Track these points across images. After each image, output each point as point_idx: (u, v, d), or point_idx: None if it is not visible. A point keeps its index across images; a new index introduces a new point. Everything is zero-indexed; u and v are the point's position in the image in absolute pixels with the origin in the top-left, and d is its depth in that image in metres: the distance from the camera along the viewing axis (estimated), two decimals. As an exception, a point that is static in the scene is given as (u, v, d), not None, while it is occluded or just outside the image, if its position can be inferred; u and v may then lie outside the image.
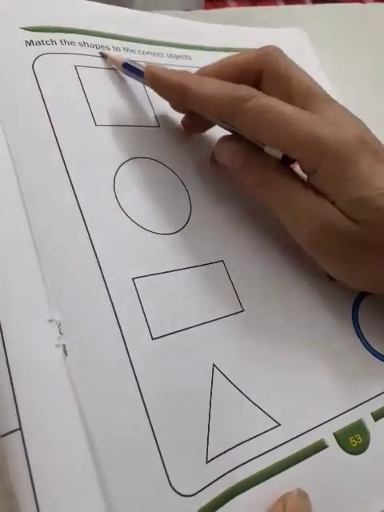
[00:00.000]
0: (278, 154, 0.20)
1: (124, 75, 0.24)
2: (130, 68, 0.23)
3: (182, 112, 0.24)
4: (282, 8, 0.42)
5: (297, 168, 0.21)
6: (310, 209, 0.20)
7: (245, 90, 0.20)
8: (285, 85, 0.22)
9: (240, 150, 0.21)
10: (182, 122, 0.25)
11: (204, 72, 0.23)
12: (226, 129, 0.22)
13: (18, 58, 0.22)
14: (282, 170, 0.21)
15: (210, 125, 0.24)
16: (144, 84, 0.23)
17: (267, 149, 0.20)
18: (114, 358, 0.18)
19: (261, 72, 0.22)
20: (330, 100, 0.22)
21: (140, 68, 0.23)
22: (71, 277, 0.19)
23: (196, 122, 0.24)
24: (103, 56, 0.24)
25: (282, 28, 0.33)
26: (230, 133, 0.22)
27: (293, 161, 0.21)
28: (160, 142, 0.24)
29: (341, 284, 0.22)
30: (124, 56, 0.24)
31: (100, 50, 0.24)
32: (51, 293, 0.18)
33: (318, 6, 0.41)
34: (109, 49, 0.24)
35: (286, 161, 0.21)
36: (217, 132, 0.25)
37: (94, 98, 0.22)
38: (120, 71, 0.24)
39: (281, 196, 0.20)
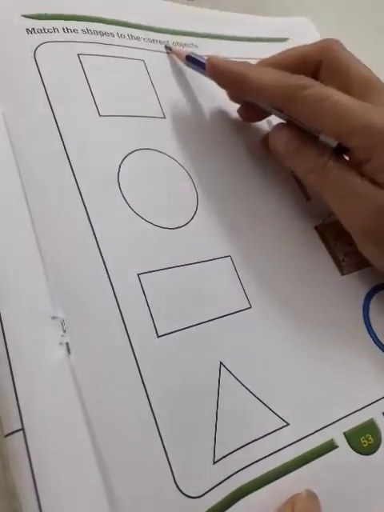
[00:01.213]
0: (333, 143, 0.20)
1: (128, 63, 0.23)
2: (192, 60, 0.24)
3: (238, 102, 0.25)
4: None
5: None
6: (366, 195, 0.20)
7: (303, 79, 0.20)
8: (344, 76, 0.22)
9: (295, 136, 0.22)
10: (238, 112, 0.25)
11: (264, 63, 0.24)
12: (281, 118, 0.22)
13: (19, 46, 0.21)
14: (336, 157, 0.21)
15: (265, 115, 0.25)
16: (206, 75, 0.24)
17: (322, 138, 0.21)
18: (118, 356, 0.18)
19: (320, 63, 0.23)
20: None
21: (202, 60, 0.24)
22: (74, 273, 0.18)
23: (251, 112, 0.25)
24: (168, 49, 0.25)
25: (290, 17, 0.32)
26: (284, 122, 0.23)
27: (346, 151, 0.21)
28: (166, 133, 0.23)
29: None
30: (186, 49, 0.25)
31: (165, 44, 0.25)
32: (54, 290, 0.17)
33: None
34: (113, 36, 0.24)
35: (340, 151, 0.21)
36: (233, 123, 0.25)
37: (97, 88, 0.22)
38: (184, 63, 0.25)
39: (335, 182, 0.21)
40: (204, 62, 0.23)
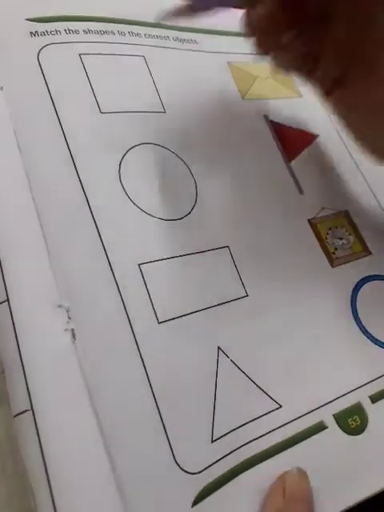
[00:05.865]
0: None
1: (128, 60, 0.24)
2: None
3: None
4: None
5: None
6: None
7: None
8: None
9: None
10: None
11: None
12: None
13: (23, 49, 0.22)
14: None
15: None
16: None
17: None
18: (120, 341, 0.18)
19: None
20: None
21: None
22: (78, 264, 0.19)
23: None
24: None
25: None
26: None
27: None
28: (166, 128, 0.24)
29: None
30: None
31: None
32: (59, 280, 0.18)
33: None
34: (114, 34, 0.24)
35: None
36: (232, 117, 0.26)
37: (98, 86, 0.22)
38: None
39: None
40: None
